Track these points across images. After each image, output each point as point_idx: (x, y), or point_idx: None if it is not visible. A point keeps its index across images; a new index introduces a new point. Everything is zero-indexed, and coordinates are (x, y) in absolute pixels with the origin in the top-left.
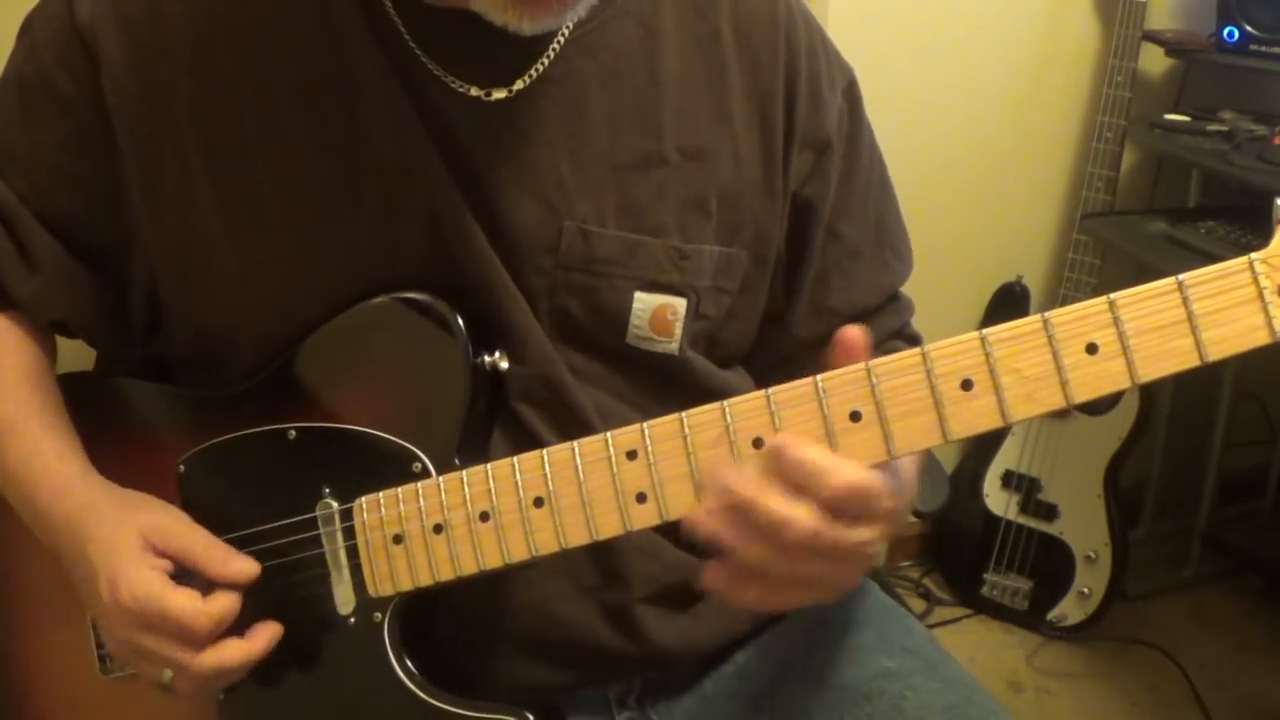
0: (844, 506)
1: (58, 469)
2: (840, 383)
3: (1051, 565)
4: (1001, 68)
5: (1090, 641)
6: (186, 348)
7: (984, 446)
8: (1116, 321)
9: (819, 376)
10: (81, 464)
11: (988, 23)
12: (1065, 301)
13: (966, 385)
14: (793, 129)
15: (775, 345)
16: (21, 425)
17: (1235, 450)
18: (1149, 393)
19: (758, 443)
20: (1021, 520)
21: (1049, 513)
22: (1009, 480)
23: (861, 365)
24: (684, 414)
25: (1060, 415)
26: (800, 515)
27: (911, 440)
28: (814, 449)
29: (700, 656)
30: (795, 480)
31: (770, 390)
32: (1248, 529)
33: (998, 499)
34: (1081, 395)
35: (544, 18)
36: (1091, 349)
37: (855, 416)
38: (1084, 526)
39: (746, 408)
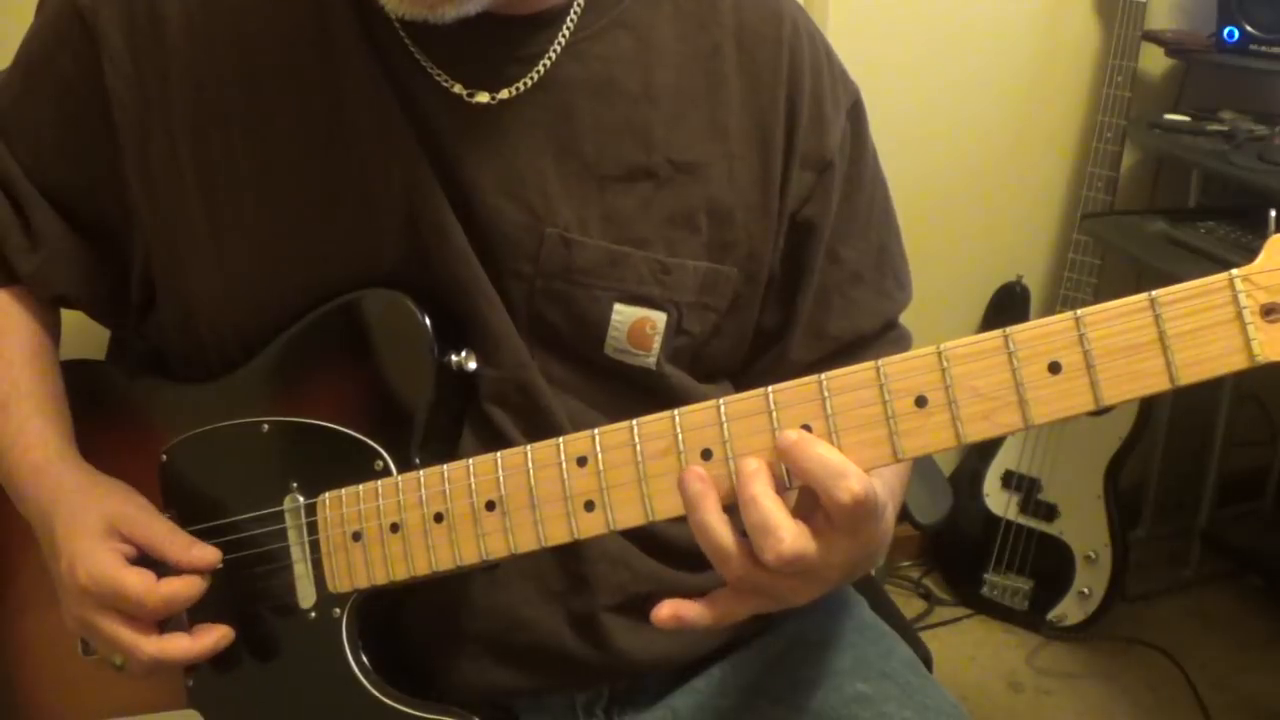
0: (847, 520)
1: (39, 450)
2: (792, 396)
3: (1051, 565)
4: (1001, 68)
5: (1090, 641)
6: (175, 334)
7: (984, 446)
8: (1082, 340)
9: (770, 388)
10: (62, 446)
11: (988, 23)
12: (1065, 302)
13: (921, 402)
14: (793, 148)
15: (771, 369)
16: (12, 404)
17: (1235, 450)
18: None
19: (706, 454)
20: (1021, 520)
21: (1049, 513)
22: (1009, 480)
23: (814, 378)
24: (635, 422)
25: None
26: (790, 528)
27: (860, 458)
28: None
29: (669, 669)
30: (810, 481)
31: (722, 401)
32: (1248, 529)
33: (998, 499)
34: (1041, 417)
35: (442, 6)
36: (1054, 368)
37: (806, 430)
38: (1084, 527)
39: (697, 419)
